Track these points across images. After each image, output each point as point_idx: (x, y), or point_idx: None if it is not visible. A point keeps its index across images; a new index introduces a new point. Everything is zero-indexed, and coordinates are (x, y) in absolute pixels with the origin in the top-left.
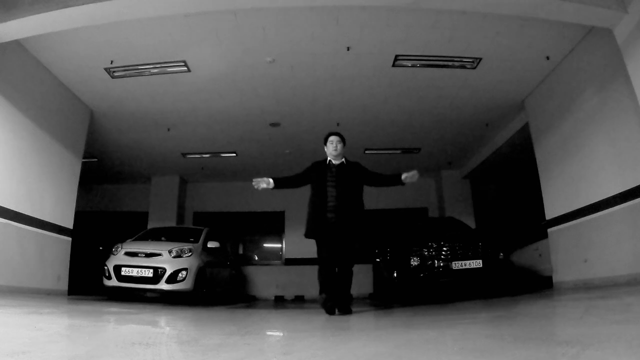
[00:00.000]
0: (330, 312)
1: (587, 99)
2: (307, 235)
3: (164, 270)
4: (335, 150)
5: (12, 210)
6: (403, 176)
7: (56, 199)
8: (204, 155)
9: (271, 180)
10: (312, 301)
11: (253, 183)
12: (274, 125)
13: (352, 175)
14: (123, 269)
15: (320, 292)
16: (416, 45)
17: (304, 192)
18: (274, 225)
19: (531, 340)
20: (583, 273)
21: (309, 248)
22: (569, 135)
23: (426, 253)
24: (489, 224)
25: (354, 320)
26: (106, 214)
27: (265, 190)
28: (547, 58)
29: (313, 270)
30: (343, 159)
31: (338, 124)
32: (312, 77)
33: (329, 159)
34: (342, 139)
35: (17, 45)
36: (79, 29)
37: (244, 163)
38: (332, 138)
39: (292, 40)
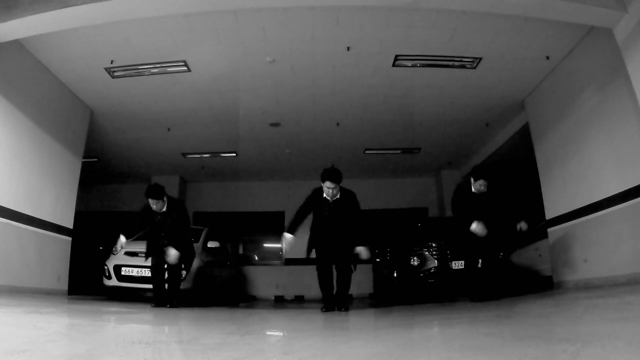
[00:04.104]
0: (327, 309)
1: (587, 99)
2: (309, 249)
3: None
4: (332, 193)
5: (12, 210)
6: (359, 248)
7: (56, 198)
8: (204, 155)
9: (288, 236)
10: (312, 301)
11: (286, 249)
12: (274, 125)
13: (345, 207)
14: (123, 268)
15: (322, 307)
16: (416, 45)
17: (303, 193)
18: (274, 225)
19: (531, 338)
20: (583, 273)
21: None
22: (569, 135)
23: (426, 253)
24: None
25: (354, 320)
26: (106, 214)
27: (267, 190)
28: (547, 58)
29: (313, 270)
30: (338, 195)
31: (338, 124)
32: (312, 77)
33: (325, 195)
34: (339, 181)
35: (17, 45)
36: (79, 29)
37: (244, 163)
38: (328, 184)
39: (292, 40)
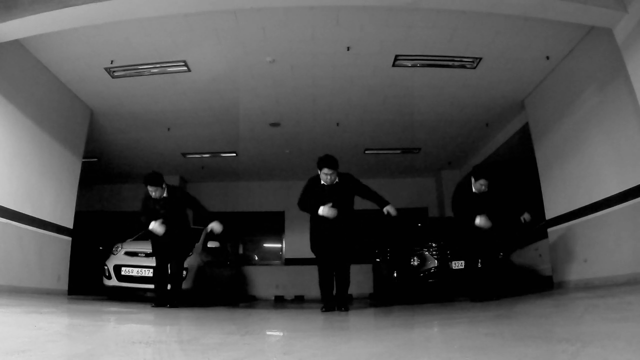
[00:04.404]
0: (327, 309)
1: (587, 99)
2: (313, 249)
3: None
4: (330, 179)
5: (12, 210)
6: (386, 209)
7: (56, 198)
8: (204, 155)
9: (325, 208)
10: (312, 301)
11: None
12: (274, 125)
13: (344, 191)
14: (123, 268)
15: (322, 307)
16: (416, 45)
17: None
18: (274, 225)
19: (531, 338)
20: (583, 273)
21: (309, 248)
22: (569, 135)
23: (426, 253)
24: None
25: (354, 320)
26: (106, 214)
27: (267, 190)
28: (547, 58)
29: (313, 270)
30: (336, 180)
31: (338, 124)
32: (312, 77)
33: (322, 182)
34: (336, 167)
35: (17, 45)
36: (79, 29)
37: (244, 163)
38: (326, 170)
39: (292, 40)
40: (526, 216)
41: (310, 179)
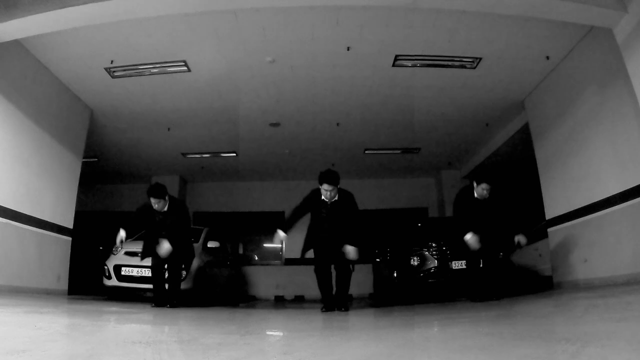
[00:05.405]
0: (327, 309)
1: (587, 99)
2: (305, 249)
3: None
4: (330, 195)
5: (12, 210)
6: (347, 247)
7: (56, 198)
8: (204, 155)
9: (282, 234)
10: (312, 301)
11: (278, 245)
12: (274, 125)
13: (343, 209)
14: (123, 268)
15: (322, 307)
16: (416, 45)
17: (303, 193)
18: (274, 225)
19: (531, 338)
20: (583, 273)
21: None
22: (569, 135)
23: (426, 253)
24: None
25: (354, 320)
26: (106, 214)
27: (267, 190)
28: (547, 58)
29: (313, 270)
30: (336, 197)
31: (338, 124)
32: (312, 77)
33: (322, 197)
34: (336, 183)
35: (17, 45)
36: (79, 29)
37: (244, 163)
38: (326, 186)
39: (292, 40)
40: (522, 239)
41: (312, 191)
